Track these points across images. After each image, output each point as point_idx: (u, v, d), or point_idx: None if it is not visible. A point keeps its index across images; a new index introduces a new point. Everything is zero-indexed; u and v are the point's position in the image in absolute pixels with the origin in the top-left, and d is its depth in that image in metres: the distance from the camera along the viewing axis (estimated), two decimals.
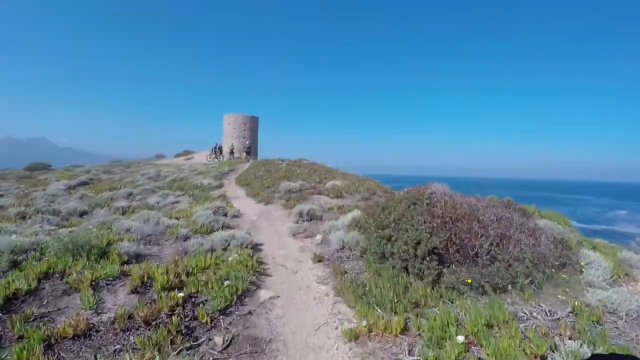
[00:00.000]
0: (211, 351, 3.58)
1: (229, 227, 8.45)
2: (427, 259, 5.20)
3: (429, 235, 5.43)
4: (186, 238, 7.27)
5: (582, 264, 5.58)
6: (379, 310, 4.28)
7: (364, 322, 4.01)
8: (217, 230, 7.85)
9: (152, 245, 6.92)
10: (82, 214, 10.56)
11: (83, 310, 4.09)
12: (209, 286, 4.67)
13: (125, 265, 5.42)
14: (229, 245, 6.61)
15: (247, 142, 39.08)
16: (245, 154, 36.63)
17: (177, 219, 9.03)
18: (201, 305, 4.26)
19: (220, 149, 36.58)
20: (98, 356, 3.34)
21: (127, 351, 3.39)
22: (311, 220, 9.12)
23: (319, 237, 7.70)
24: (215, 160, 34.93)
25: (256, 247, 6.97)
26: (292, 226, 8.43)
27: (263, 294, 4.93)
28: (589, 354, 2.81)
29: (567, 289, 4.94)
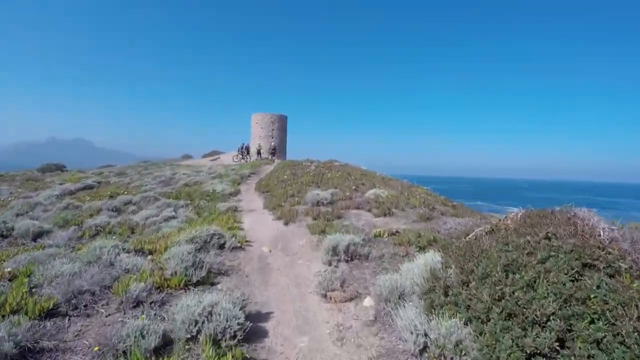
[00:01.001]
0: None
1: (219, 273, 5.28)
2: None
3: None
4: (137, 303, 4.16)
5: None
6: None
7: None
8: (196, 283, 4.71)
9: (72, 319, 3.85)
10: (37, 236, 7.81)
11: None
12: None
13: None
14: (198, 333, 3.41)
15: (273, 143, 36.56)
16: (270, 154, 34.09)
17: (149, 252, 5.98)
18: None
19: (248, 149, 34.23)
20: None
21: None
22: (351, 259, 5.77)
23: (368, 302, 4.34)
24: (242, 161, 32.63)
25: (254, 334, 3.69)
26: (322, 273, 5.10)
27: None
28: None
29: None
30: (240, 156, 33.47)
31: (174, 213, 10.43)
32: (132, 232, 8.43)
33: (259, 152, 34.25)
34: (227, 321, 3.44)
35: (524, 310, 2.88)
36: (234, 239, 6.68)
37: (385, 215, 9.31)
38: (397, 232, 7.47)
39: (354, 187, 13.77)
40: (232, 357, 3.12)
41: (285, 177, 17.71)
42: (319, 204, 10.76)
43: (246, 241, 7.13)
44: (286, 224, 8.80)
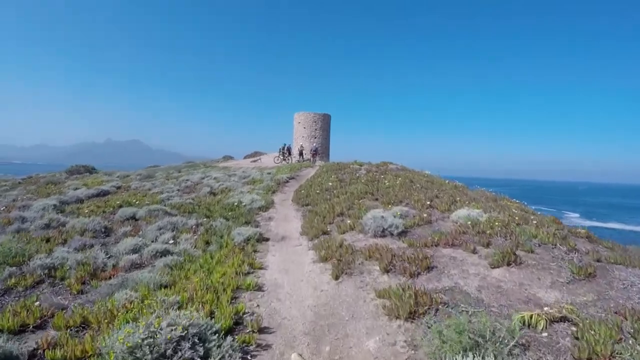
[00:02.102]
0: None
1: None
2: None
3: None
4: None
5: None
6: None
7: None
8: None
9: None
10: None
11: None
12: None
13: None
14: None
15: (315, 143, 33.33)
16: (311, 156, 30.84)
17: None
18: None
19: (289, 150, 31.29)
20: None
21: None
22: None
23: None
24: (283, 162, 29.73)
25: None
26: None
27: None
28: None
29: None
30: (281, 157, 30.55)
31: (172, 241, 7.16)
32: (92, 277, 5.22)
33: (301, 154, 31.20)
34: None
35: None
36: (229, 341, 3.08)
37: (508, 263, 5.29)
38: (565, 318, 3.52)
39: (428, 202, 9.76)
40: None
41: (330, 184, 14.07)
42: (385, 234, 6.96)
43: (259, 330, 3.53)
44: (336, 277, 5.09)
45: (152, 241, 7.37)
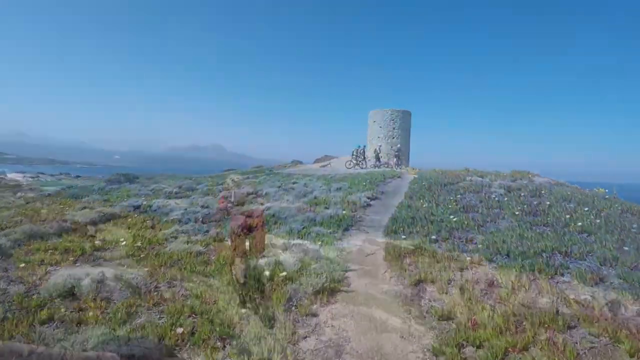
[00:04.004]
0: None
1: None
2: None
3: None
4: None
5: None
6: None
7: None
8: None
9: None
10: None
11: None
12: None
13: None
14: None
15: (398, 144, 27.25)
16: (395, 159, 24.73)
17: None
18: None
19: (363, 153, 25.50)
20: None
21: None
22: None
23: None
24: (357, 167, 24.07)
25: None
26: None
27: None
28: None
29: None
30: (354, 162, 24.69)
31: None
32: None
33: (377, 157, 25.08)
34: None
35: None
36: None
37: None
38: None
39: None
40: None
41: (455, 218, 7.57)
42: None
43: None
44: None
45: None
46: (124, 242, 7.18)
